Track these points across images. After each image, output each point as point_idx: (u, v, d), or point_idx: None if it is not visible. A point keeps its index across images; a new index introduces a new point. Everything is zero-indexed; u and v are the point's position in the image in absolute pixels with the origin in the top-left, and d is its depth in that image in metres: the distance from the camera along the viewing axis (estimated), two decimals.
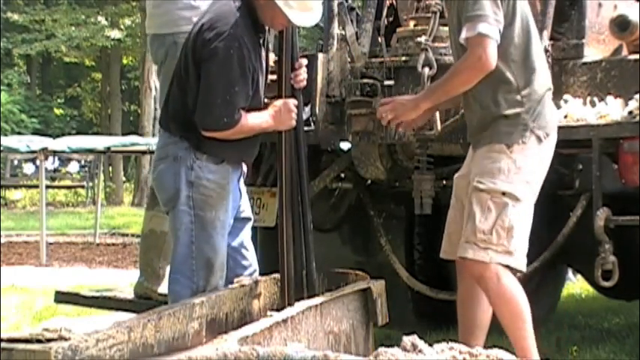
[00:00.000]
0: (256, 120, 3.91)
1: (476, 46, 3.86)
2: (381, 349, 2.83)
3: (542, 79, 4.05)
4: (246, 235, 4.20)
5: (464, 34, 3.90)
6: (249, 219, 4.23)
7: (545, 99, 4.04)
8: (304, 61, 4.17)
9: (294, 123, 4.03)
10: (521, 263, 3.91)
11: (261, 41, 3.95)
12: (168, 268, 4.65)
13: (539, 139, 3.96)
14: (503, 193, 3.87)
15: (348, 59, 5.34)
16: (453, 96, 4.09)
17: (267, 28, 4.02)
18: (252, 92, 3.89)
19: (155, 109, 20.78)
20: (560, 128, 4.75)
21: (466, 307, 4.08)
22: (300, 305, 3.49)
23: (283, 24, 3.98)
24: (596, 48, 5.15)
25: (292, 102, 4.00)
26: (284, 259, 3.96)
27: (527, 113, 3.95)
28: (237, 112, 3.81)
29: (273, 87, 4.09)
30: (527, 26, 4.01)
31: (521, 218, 3.90)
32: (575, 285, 8.01)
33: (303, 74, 4.12)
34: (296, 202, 4.05)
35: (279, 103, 3.98)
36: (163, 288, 4.68)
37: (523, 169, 3.91)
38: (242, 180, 4.18)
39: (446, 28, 5.06)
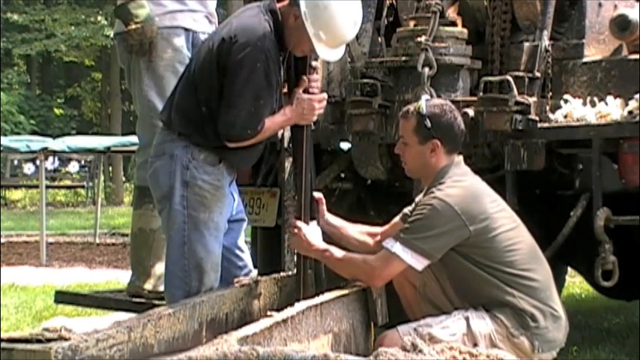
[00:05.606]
0: (274, 119, 3.88)
1: (381, 259, 3.75)
2: (381, 349, 2.83)
3: None
4: (240, 236, 4.19)
5: (386, 242, 3.74)
6: (242, 220, 4.22)
7: None
8: (316, 77, 4.06)
9: (314, 118, 4.00)
10: None
11: (281, 59, 3.86)
12: (159, 266, 4.67)
13: None
14: None
15: (348, 59, 5.34)
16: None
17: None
18: (276, 105, 3.87)
19: None
20: (560, 128, 4.77)
21: None
22: (300, 305, 3.49)
23: (304, 52, 3.90)
24: (596, 48, 5.15)
25: (320, 97, 3.95)
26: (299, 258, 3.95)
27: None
28: (260, 123, 3.80)
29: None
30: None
31: None
32: (575, 285, 8.00)
33: (316, 83, 4.04)
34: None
35: (305, 96, 3.92)
36: (155, 286, 4.72)
37: None
38: (234, 182, 4.15)
39: (446, 28, 5.08)
